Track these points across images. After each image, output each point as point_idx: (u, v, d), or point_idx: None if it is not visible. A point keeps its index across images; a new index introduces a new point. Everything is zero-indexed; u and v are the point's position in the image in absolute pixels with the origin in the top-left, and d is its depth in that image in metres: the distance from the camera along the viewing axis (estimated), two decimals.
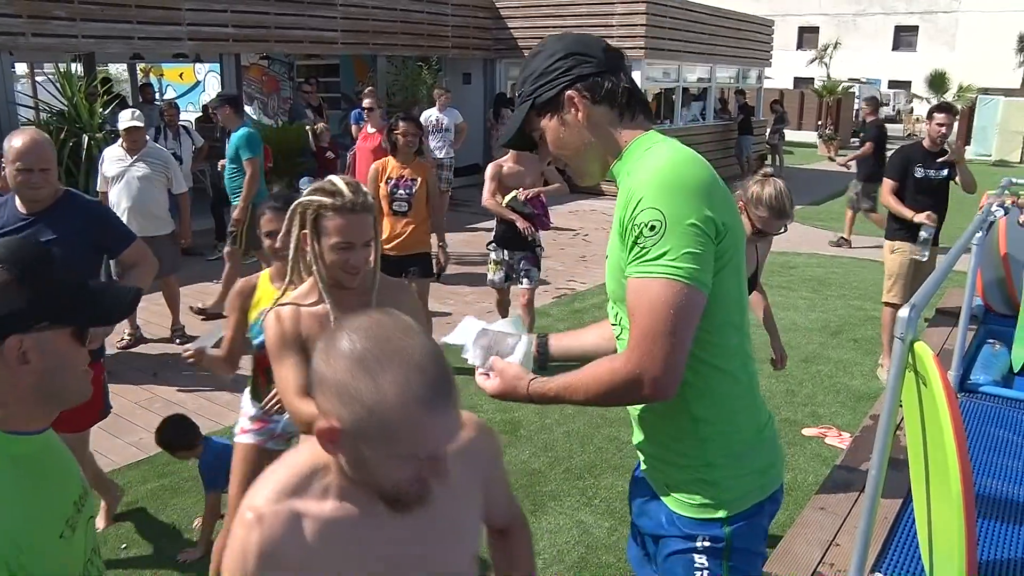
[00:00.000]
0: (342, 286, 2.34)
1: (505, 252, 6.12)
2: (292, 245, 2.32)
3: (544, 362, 2.07)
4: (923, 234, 5.66)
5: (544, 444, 4.91)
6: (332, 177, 2.33)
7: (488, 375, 1.83)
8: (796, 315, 7.75)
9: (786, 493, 4.28)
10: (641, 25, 14.05)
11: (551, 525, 4.07)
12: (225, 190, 7.54)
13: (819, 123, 26.36)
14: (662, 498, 1.87)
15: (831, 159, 21.59)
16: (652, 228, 1.59)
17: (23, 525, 1.33)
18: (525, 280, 6.07)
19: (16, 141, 3.39)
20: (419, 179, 5.71)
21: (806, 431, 5.18)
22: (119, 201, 6.31)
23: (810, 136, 26.95)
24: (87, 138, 8.71)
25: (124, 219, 6.31)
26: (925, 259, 5.71)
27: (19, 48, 9.27)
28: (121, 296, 1.50)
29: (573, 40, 1.81)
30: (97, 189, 6.59)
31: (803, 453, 4.87)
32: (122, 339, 6.57)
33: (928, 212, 5.67)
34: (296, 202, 2.31)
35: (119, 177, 6.32)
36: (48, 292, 1.37)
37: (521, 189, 5.94)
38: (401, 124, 5.74)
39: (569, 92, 1.76)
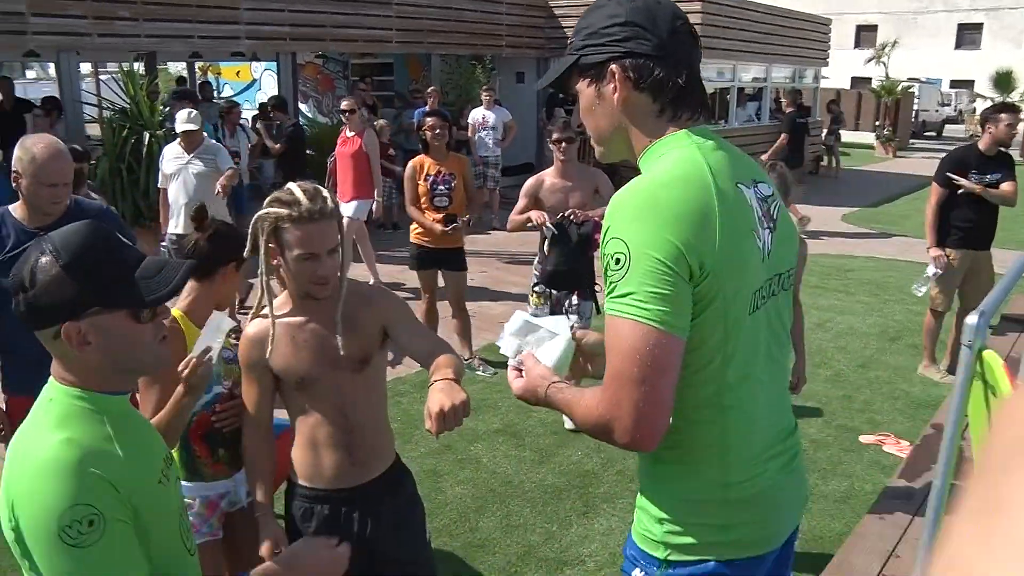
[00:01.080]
0: (313, 298, 2.26)
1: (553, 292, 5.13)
2: (261, 261, 2.23)
3: None
4: (928, 271, 5.82)
5: (597, 445, 4.88)
6: (290, 184, 2.22)
7: (520, 372, 1.72)
8: (854, 319, 7.59)
9: (843, 501, 4.24)
10: (696, 24, 13.83)
11: (603, 527, 4.04)
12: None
13: (876, 124, 25.81)
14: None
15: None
16: (617, 261, 1.42)
17: (123, 471, 1.42)
18: (574, 317, 4.92)
19: (38, 151, 3.00)
20: (456, 173, 5.76)
21: (863, 438, 5.07)
22: (177, 198, 6.45)
23: (867, 137, 26.40)
24: (148, 135, 8.89)
25: (182, 216, 6.46)
26: (919, 295, 5.95)
27: (85, 48, 9.50)
28: (170, 276, 1.51)
29: (641, 7, 1.57)
30: (158, 186, 6.73)
31: (860, 460, 4.77)
32: None
33: (941, 254, 5.77)
34: (255, 216, 2.21)
35: (177, 174, 6.45)
36: (96, 279, 1.43)
37: (573, 210, 4.85)
38: (428, 120, 5.81)
39: (614, 66, 1.56)
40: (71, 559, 1.32)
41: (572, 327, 1.79)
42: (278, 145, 10.08)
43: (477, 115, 11.18)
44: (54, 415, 1.44)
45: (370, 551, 2.40)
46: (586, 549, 3.86)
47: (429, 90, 10.71)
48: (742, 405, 1.57)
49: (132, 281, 1.47)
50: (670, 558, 1.61)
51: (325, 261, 2.18)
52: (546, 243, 4.90)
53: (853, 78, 35.34)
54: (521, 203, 5.09)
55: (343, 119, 8.41)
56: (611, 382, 1.44)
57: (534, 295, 5.22)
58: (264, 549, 2.34)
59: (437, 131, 5.69)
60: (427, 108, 10.90)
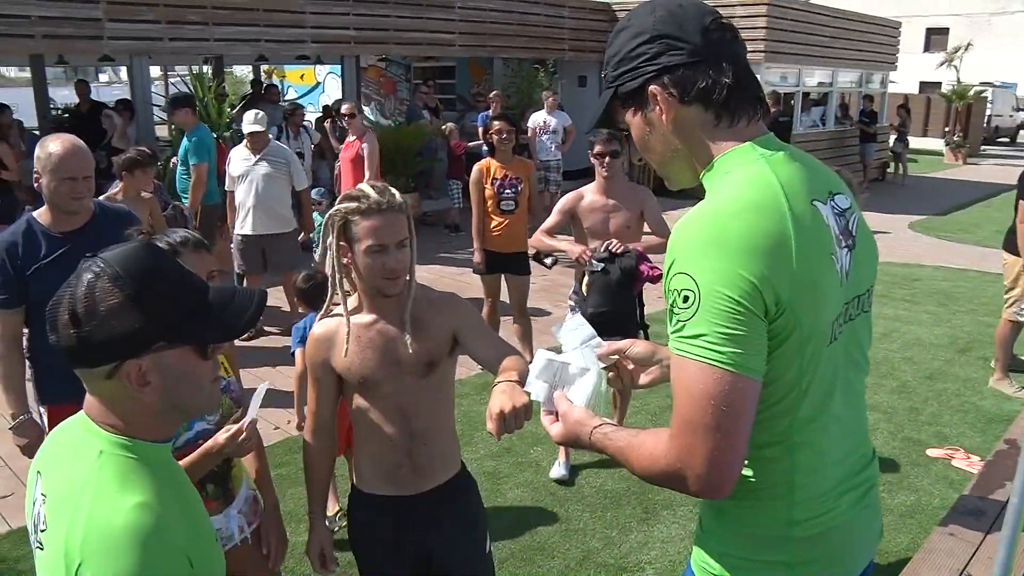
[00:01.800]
0: (384, 294, 2.24)
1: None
2: (331, 260, 2.22)
3: None
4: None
5: None
6: (360, 184, 2.25)
7: (554, 415, 1.60)
8: (920, 330, 7.40)
9: (909, 515, 4.14)
10: (762, 28, 13.71)
11: (663, 534, 4.01)
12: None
13: (946, 129, 25.13)
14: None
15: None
16: (685, 299, 1.32)
17: (192, 539, 1.31)
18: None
19: (54, 147, 3.02)
20: (522, 177, 5.76)
21: (931, 451, 4.94)
22: (245, 200, 6.59)
23: (936, 143, 25.73)
24: (216, 137, 9.11)
25: (250, 217, 6.59)
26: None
27: (157, 52, 9.79)
28: (244, 306, 1.39)
29: (665, 17, 1.45)
30: (226, 188, 6.89)
31: (927, 474, 4.65)
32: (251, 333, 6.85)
33: None
34: (326, 215, 2.23)
35: (244, 176, 6.58)
36: (164, 310, 1.28)
37: (615, 241, 4.22)
38: (495, 124, 5.79)
39: (653, 87, 1.46)
40: None
41: (598, 344, 1.67)
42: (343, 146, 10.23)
43: (538, 119, 11.20)
44: (113, 472, 1.27)
45: (428, 559, 2.40)
46: (645, 556, 3.83)
47: (492, 95, 10.76)
48: (813, 441, 1.47)
49: (207, 311, 1.33)
50: None
51: (394, 254, 2.16)
52: (585, 279, 4.31)
53: (922, 83, 34.48)
54: (553, 219, 4.51)
55: (343, 124, 8.40)
56: (682, 429, 1.33)
57: None
58: (313, 558, 2.39)
59: (504, 135, 5.70)
60: (491, 113, 10.98)
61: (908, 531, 4.03)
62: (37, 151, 3.07)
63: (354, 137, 7.97)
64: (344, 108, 8.25)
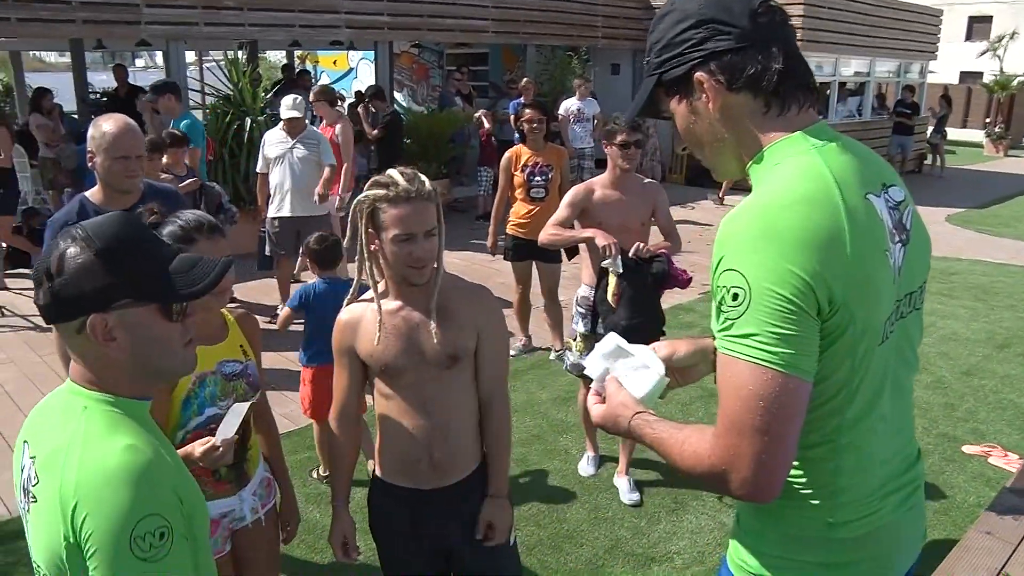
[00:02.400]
0: (410, 283, 2.21)
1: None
2: (359, 247, 2.21)
3: None
4: None
5: None
6: (390, 170, 2.20)
7: (601, 398, 1.59)
8: (957, 324, 7.28)
9: (943, 512, 4.08)
10: (798, 16, 13.50)
11: (692, 525, 3.99)
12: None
13: (987, 120, 24.66)
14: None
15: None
16: (735, 297, 1.27)
17: (180, 480, 1.38)
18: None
19: (108, 127, 3.09)
20: (553, 165, 5.73)
21: (967, 448, 4.86)
22: (282, 182, 6.62)
23: (976, 135, 25.25)
24: (250, 121, 9.18)
25: (287, 200, 6.62)
26: None
27: (193, 37, 9.85)
28: (207, 270, 1.43)
29: (712, 1, 1.41)
30: (257, 171, 6.93)
31: (963, 472, 4.58)
32: (276, 314, 6.89)
33: None
34: (354, 201, 2.20)
35: (281, 159, 6.62)
36: (130, 269, 1.35)
37: (642, 244, 3.88)
38: (526, 112, 5.76)
39: (699, 74, 1.41)
40: (137, 572, 1.24)
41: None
42: (375, 131, 10.27)
43: (571, 106, 11.12)
44: (99, 422, 1.35)
45: (447, 553, 2.38)
46: (674, 546, 3.82)
47: (524, 82, 10.71)
48: (860, 442, 1.43)
49: (167, 274, 1.39)
50: None
51: (422, 243, 2.14)
52: (610, 284, 3.85)
53: (962, 72, 33.82)
54: (563, 213, 4.16)
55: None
56: (728, 430, 1.29)
57: (578, 339, 4.25)
58: (336, 546, 2.38)
59: (535, 124, 5.67)
60: (522, 100, 10.93)
61: (942, 528, 3.97)
62: (91, 131, 3.14)
63: (327, 123, 7.77)
64: (311, 96, 7.93)
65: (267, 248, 6.90)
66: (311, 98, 7.89)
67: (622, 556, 3.75)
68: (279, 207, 6.67)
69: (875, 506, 1.48)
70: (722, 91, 1.40)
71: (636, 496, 4.20)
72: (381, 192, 2.13)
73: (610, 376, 1.59)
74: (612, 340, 1.64)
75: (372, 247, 2.20)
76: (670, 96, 1.49)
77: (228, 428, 2.13)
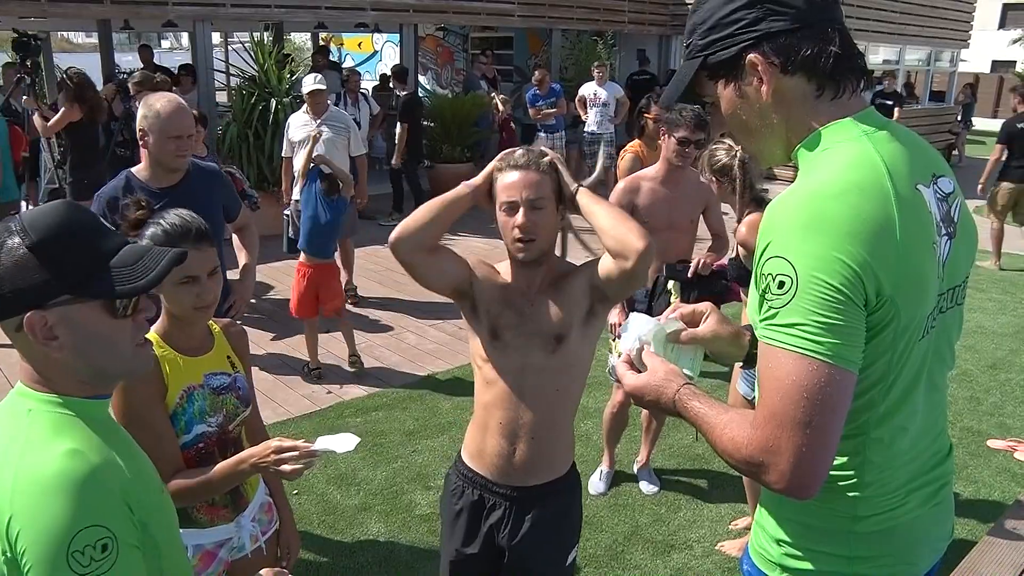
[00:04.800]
0: (516, 258, 2.17)
1: None
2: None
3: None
4: None
5: None
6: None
7: (633, 366, 1.53)
8: (983, 317, 7.21)
9: (967, 506, 4.05)
10: None
11: (712, 513, 3.99)
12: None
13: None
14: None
15: None
16: (780, 285, 1.23)
17: (131, 486, 1.28)
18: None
19: (160, 105, 3.10)
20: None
21: (992, 443, 4.81)
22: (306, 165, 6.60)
23: None
24: (275, 103, 9.19)
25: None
26: None
27: (219, 18, 9.89)
28: (153, 263, 1.32)
29: None
30: (283, 155, 6.94)
31: (987, 466, 4.54)
32: (350, 290, 6.94)
33: None
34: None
35: (305, 142, 6.61)
36: (69, 264, 1.25)
37: (706, 254, 3.71)
38: (655, 107, 5.24)
39: (752, 56, 1.35)
40: None
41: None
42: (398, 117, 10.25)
43: (588, 91, 10.99)
44: (42, 425, 1.25)
45: (503, 552, 2.31)
46: (694, 534, 3.82)
47: (537, 72, 10.59)
48: (889, 438, 1.41)
49: (106, 269, 1.28)
50: None
51: (526, 213, 2.07)
52: (672, 293, 3.66)
53: (994, 61, 33.30)
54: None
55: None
56: (768, 421, 1.25)
57: (616, 341, 3.72)
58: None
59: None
60: (537, 90, 10.83)
61: (966, 523, 3.94)
62: (141, 110, 3.17)
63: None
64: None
65: (291, 230, 6.92)
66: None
67: (641, 543, 3.76)
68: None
69: (901, 501, 1.46)
70: (776, 74, 1.35)
71: (656, 488, 4.17)
72: (500, 163, 2.15)
73: (648, 351, 1.52)
74: (651, 322, 1.58)
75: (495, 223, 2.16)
76: (715, 79, 1.44)
77: (324, 445, 1.90)
